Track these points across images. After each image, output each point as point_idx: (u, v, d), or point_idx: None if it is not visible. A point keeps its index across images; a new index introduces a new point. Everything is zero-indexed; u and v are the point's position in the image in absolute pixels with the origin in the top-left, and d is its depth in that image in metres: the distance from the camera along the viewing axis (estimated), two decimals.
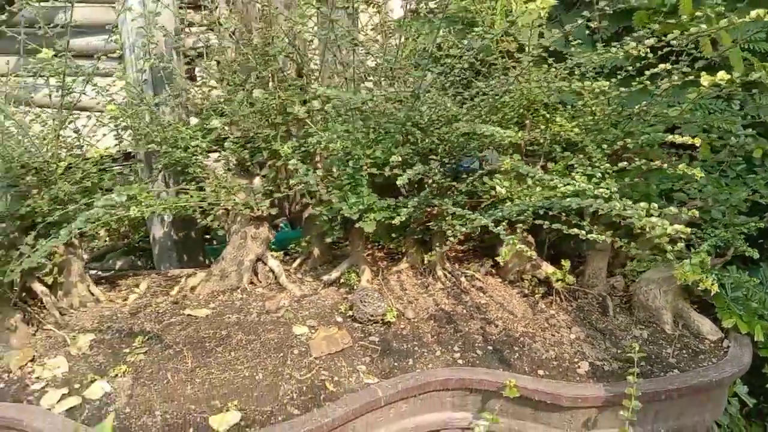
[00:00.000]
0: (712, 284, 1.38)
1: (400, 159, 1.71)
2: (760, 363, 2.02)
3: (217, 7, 2.38)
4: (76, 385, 1.68)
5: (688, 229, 1.19)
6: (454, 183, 1.90)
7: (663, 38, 1.56)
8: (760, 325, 1.89)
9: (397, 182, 1.52)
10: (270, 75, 1.99)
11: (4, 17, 1.98)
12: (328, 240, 2.02)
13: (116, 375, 1.70)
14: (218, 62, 2.33)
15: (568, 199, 1.47)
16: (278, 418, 1.54)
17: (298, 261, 2.27)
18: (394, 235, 2.30)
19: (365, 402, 1.60)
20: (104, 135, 2.13)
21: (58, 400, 1.63)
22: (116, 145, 2.12)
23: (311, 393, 1.63)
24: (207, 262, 2.81)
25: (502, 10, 2.01)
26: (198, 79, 2.57)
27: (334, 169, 1.74)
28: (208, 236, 2.97)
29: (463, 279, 2.15)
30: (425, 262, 2.15)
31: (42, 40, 1.95)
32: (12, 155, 1.73)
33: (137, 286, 2.23)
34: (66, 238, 1.50)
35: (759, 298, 2.08)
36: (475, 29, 1.72)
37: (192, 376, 1.69)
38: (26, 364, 1.78)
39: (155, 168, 2.35)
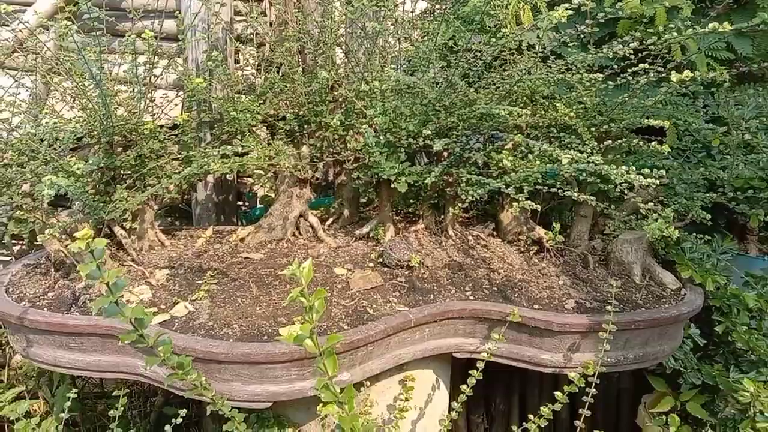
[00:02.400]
0: (675, 231, 1.81)
1: (429, 132, 2.13)
2: (710, 312, 2.49)
3: (261, 1, 2.77)
4: (162, 306, 2.07)
5: (657, 181, 1.63)
6: (470, 155, 2.31)
7: (643, 42, 1.99)
8: (711, 278, 2.35)
9: (434, 148, 1.94)
10: (314, 61, 2.39)
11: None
12: (363, 200, 2.42)
13: (195, 299, 2.09)
14: (258, 47, 2.71)
15: (567, 165, 1.90)
16: (334, 330, 1.94)
17: (330, 220, 2.68)
18: (411, 200, 2.73)
19: (400, 321, 2.01)
20: (175, 105, 2.49)
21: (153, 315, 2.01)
22: (183, 114, 2.48)
23: (356, 315, 2.04)
24: (239, 223, 3.20)
25: (512, 14, 2.43)
26: (240, 62, 2.95)
27: (371, 139, 2.13)
28: (239, 202, 3.35)
29: (470, 238, 2.57)
30: (438, 223, 2.57)
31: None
32: (110, 120, 2.10)
33: (191, 236, 2.61)
34: (174, 190, 1.89)
35: (711, 262, 2.55)
36: (485, 34, 2.15)
37: (258, 301, 2.08)
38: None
39: (204, 137, 2.74)
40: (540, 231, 2.52)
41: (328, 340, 1.30)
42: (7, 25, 2.34)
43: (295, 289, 1.25)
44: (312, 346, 1.25)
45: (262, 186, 2.56)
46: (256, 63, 2.66)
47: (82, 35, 1.86)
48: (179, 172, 2.14)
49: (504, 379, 2.86)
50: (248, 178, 3.32)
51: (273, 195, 3.22)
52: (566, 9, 1.68)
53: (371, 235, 2.52)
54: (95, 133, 2.12)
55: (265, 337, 1.90)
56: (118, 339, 1.98)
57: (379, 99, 2.17)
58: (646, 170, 1.68)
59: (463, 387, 2.02)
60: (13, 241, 3.32)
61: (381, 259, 2.36)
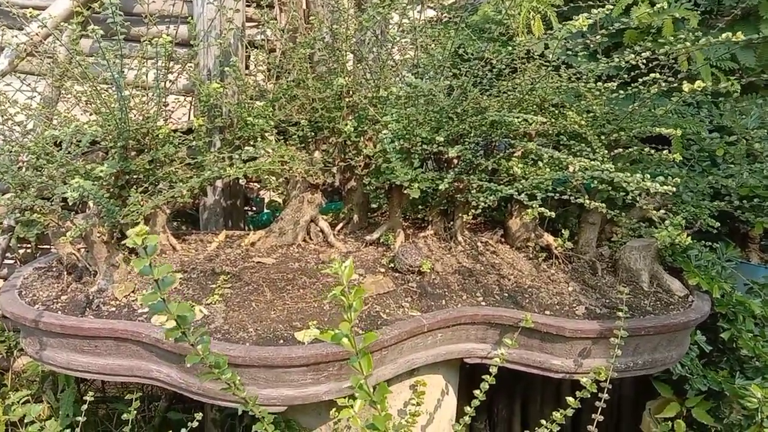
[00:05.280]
0: (687, 238, 1.84)
1: (442, 139, 2.15)
2: (716, 319, 2.52)
3: (273, 7, 2.79)
4: None
5: (672, 187, 1.65)
6: (481, 162, 2.33)
7: (655, 52, 2.02)
8: (718, 285, 2.38)
9: (449, 154, 1.96)
10: (330, 67, 2.41)
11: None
12: (373, 205, 2.44)
13: (210, 303, 2.10)
14: (269, 53, 2.74)
15: (579, 173, 1.93)
16: None
17: (339, 225, 2.69)
18: (420, 206, 2.75)
19: (413, 327, 2.03)
20: (188, 110, 2.51)
21: (167, 319, 2.02)
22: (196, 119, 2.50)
23: (369, 320, 2.05)
24: (246, 227, 3.21)
25: (523, 23, 2.46)
26: (251, 68, 2.97)
27: (386, 146, 2.15)
28: (246, 207, 3.37)
29: (479, 244, 2.60)
30: (447, 229, 2.60)
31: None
32: (126, 124, 2.11)
33: (202, 240, 2.62)
34: (188, 194, 1.90)
35: (717, 269, 2.59)
36: (495, 43, 2.18)
37: (272, 305, 2.10)
38: (129, 295, 2.17)
39: (214, 142, 2.75)
40: (548, 238, 2.54)
41: (365, 339, 1.32)
42: (21, 29, 2.36)
43: (337, 288, 1.26)
44: (349, 344, 1.27)
45: (272, 190, 2.57)
46: (267, 69, 2.69)
47: (97, 39, 1.86)
48: (192, 177, 2.15)
49: (506, 385, 2.88)
50: (255, 183, 3.34)
51: (280, 200, 3.24)
52: (586, 18, 1.71)
53: (381, 240, 2.54)
54: (110, 137, 2.13)
55: (281, 341, 1.91)
56: (133, 342, 2.00)
57: (394, 105, 2.19)
58: (661, 178, 1.71)
59: (476, 392, 2.04)
60: (19, 245, 3.32)
61: (392, 265, 2.38)
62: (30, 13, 1.86)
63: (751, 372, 2.45)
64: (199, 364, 1.44)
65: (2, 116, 2.24)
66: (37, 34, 2.33)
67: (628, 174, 1.77)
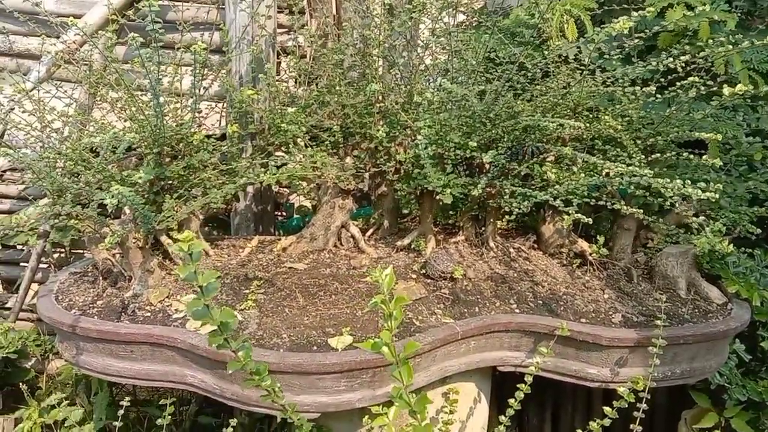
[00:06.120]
0: (728, 245, 1.80)
1: (475, 144, 2.13)
2: (755, 327, 2.46)
3: (303, 14, 2.80)
4: None
5: (716, 194, 1.62)
6: (514, 167, 2.31)
7: (695, 56, 1.99)
8: (758, 293, 2.33)
9: (484, 160, 1.94)
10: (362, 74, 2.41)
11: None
12: (405, 211, 2.43)
13: (244, 308, 2.10)
14: (300, 59, 2.75)
15: (616, 179, 1.90)
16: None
17: (370, 231, 2.69)
18: (451, 212, 2.73)
19: (447, 334, 2.01)
20: (221, 116, 2.52)
21: (201, 325, 2.03)
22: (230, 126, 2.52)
23: (402, 326, 2.04)
24: (276, 233, 3.22)
25: (556, 27, 2.44)
26: (281, 74, 2.98)
27: (420, 151, 2.13)
28: (276, 212, 3.38)
29: (511, 250, 2.57)
30: (479, 235, 2.57)
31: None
32: (161, 130, 2.13)
33: (234, 246, 2.64)
34: (221, 199, 1.91)
35: (756, 276, 2.53)
36: (527, 47, 2.15)
37: (305, 311, 2.09)
38: (164, 300, 2.19)
39: (246, 148, 2.77)
40: (583, 244, 2.51)
41: (406, 348, 1.31)
42: (58, 37, 2.39)
43: (377, 296, 1.25)
44: (389, 353, 1.26)
45: (303, 196, 2.58)
46: (298, 74, 2.69)
47: (137, 47, 1.89)
48: (225, 183, 2.16)
49: (537, 393, 2.84)
50: (285, 189, 3.35)
51: (310, 205, 3.24)
52: (627, 20, 1.69)
53: (412, 246, 2.52)
54: (146, 143, 2.15)
55: (315, 348, 1.91)
56: (168, 348, 2.01)
57: (426, 111, 2.18)
58: (702, 184, 1.67)
59: (511, 401, 2.01)
60: (53, 250, 3.37)
61: (424, 271, 2.36)
62: (71, 21, 1.89)
63: None
64: (241, 372, 1.44)
65: (40, 123, 2.27)
66: (73, 42, 2.36)
67: (668, 180, 1.74)
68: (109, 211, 2.86)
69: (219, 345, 1.35)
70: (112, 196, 1.62)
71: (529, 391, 2.04)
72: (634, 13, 1.74)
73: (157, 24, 1.82)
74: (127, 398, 2.19)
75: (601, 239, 2.42)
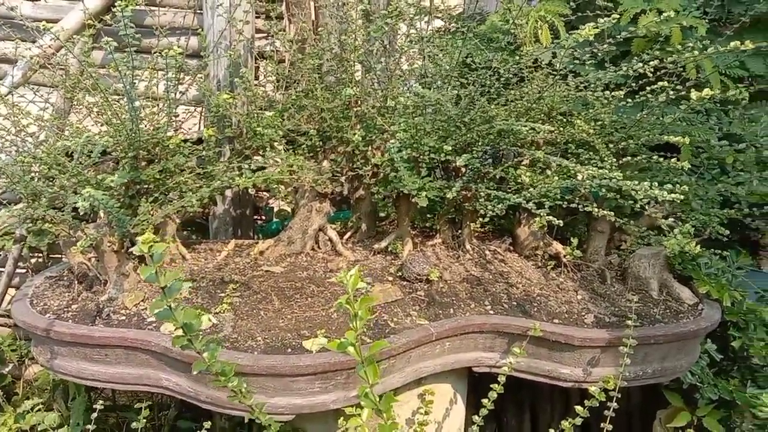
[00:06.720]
0: (696, 246, 1.83)
1: (450, 148, 2.16)
2: (726, 327, 2.50)
3: (281, 19, 2.81)
4: None
5: (680, 195, 1.65)
6: (489, 170, 2.34)
7: (663, 61, 2.02)
8: (728, 293, 2.37)
9: (457, 163, 1.97)
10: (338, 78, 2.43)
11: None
12: (382, 214, 2.45)
13: (219, 311, 2.11)
14: (278, 64, 2.76)
15: (587, 181, 1.93)
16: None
17: (348, 234, 2.70)
18: (428, 215, 2.76)
19: (421, 335, 2.03)
20: (197, 120, 2.53)
21: (175, 328, 2.03)
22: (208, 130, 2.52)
23: (377, 328, 2.06)
24: (256, 237, 3.22)
25: (530, 32, 2.47)
26: (260, 78, 2.99)
27: (394, 155, 2.15)
28: (255, 216, 3.38)
29: (487, 252, 2.60)
30: (455, 237, 2.60)
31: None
32: (137, 134, 2.13)
33: (211, 249, 2.64)
34: (197, 204, 1.92)
35: (727, 277, 2.57)
36: (503, 52, 2.19)
37: (281, 314, 2.10)
38: (139, 303, 2.18)
39: (224, 152, 2.78)
40: (557, 246, 2.54)
41: (371, 348, 1.32)
42: (34, 42, 2.39)
43: (342, 297, 1.27)
44: (355, 353, 1.27)
45: (281, 200, 2.59)
46: (276, 79, 2.71)
47: (110, 51, 1.89)
48: (202, 187, 2.17)
49: (515, 395, 2.87)
50: (265, 193, 3.36)
51: (289, 209, 3.25)
52: (592, 28, 1.72)
53: (389, 249, 2.54)
54: (121, 147, 2.15)
55: (289, 350, 1.92)
56: (143, 351, 2.01)
57: (401, 115, 2.21)
58: (669, 186, 1.71)
59: (484, 401, 2.03)
60: (31, 254, 3.35)
61: (400, 273, 2.38)
62: (43, 26, 1.89)
63: (763, 381, 2.44)
64: (208, 373, 1.45)
65: (15, 127, 2.27)
66: (49, 47, 2.36)
67: (636, 182, 1.77)
68: (88, 215, 2.86)
69: (183, 346, 1.35)
70: (84, 200, 1.62)
71: (503, 392, 2.06)
72: (601, 20, 1.77)
73: (132, 29, 1.82)
74: (101, 402, 2.18)
75: (574, 241, 2.45)
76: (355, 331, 1.30)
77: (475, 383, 2.50)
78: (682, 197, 1.64)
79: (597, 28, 1.74)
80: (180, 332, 1.35)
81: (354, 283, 1.29)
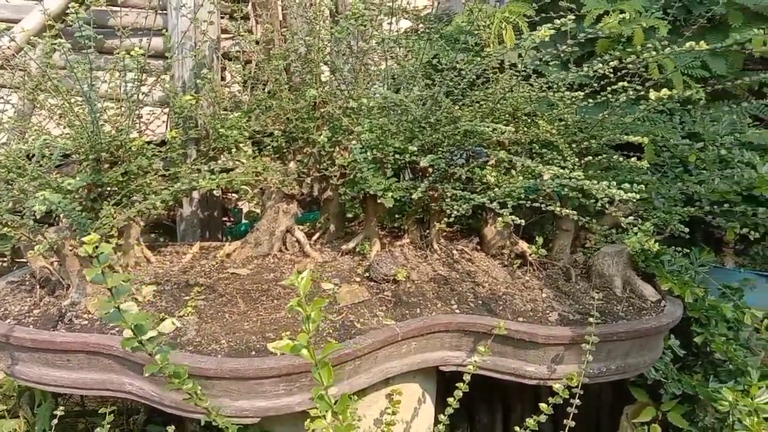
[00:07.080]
0: (655, 244, 1.86)
1: (415, 148, 2.17)
2: (689, 323, 2.55)
3: (248, 19, 2.80)
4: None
5: (637, 195, 1.68)
6: (455, 171, 2.35)
7: (623, 61, 2.05)
8: (690, 290, 2.41)
9: (421, 164, 1.97)
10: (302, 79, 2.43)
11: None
12: (349, 215, 2.45)
13: (183, 315, 2.09)
14: (245, 65, 2.75)
15: (549, 181, 1.95)
16: (322, 345, 1.96)
17: (316, 235, 2.69)
18: (396, 215, 2.76)
19: (387, 336, 2.03)
20: (162, 122, 2.51)
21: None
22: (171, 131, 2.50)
23: (343, 329, 2.06)
24: (224, 239, 3.20)
25: (495, 33, 2.49)
26: (227, 79, 2.98)
27: (357, 156, 2.15)
28: (224, 218, 3.36)
29: (455, 252, 2.61)
30: (423, 237, 2.61)
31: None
32: (98, 136, 2.11)
33: (177, 252, 2.62)
34: (161, 206, 1.90)
35: (690, 274, 2.61)
36: (468, 53, 2.20)
37: (246, 317, 2.09)
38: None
39: (190, 153, 2.76)
40: (523, 245, 2.56)
41: (324, 350, 1.32)
42: None
43: (294, 299, 1.27)
44: (308, 355, 1.27)
45: (248, 201, 2.58)
46: (243, 80, 2.70)
47: (71, 52, 1.87)
48: (164, 189, 2.15)
49: (486, 393, 2.89)
50: (233, 194, 3.34)
51: (258, 211, 3.24)
52: (548, 29, 1.74)
53: (357, 249, 2.54)
54: (83, 149, 2.13)
55: (254, 353, 1.91)
56: (105, 356, 1.99)
57: (367, 116, 2.21)
58: (626, 185, 1.73)
59: (450, 400, 2.04)
60: None
61: (368, 274, 2.38)
62: (3, 26, 1.86)
63: (724, 375, 2.48)
64: (162, 376, 1.44)
65: None
66: (8, 48, 2.32)
67: (595, 181, 1.80)
68: (54, 218, 2.82)
69: (133, 348, 1.34)
70: (40, 203, 1.60)
71: (474, 391, 2.07)
72: (559, 21, 1.79)
73: (94, 30, 1.81)
74: (64, 409, 2.16)
75: (539, 240, 2.48)
76: (308, 333, 1.30)
77: (447, 383, 2.51)
78: (637, 196, 1.66)
79: (554, 28, 1.76)
80: (130, 334, 1.33)
81: (305, 285, 1.29)
